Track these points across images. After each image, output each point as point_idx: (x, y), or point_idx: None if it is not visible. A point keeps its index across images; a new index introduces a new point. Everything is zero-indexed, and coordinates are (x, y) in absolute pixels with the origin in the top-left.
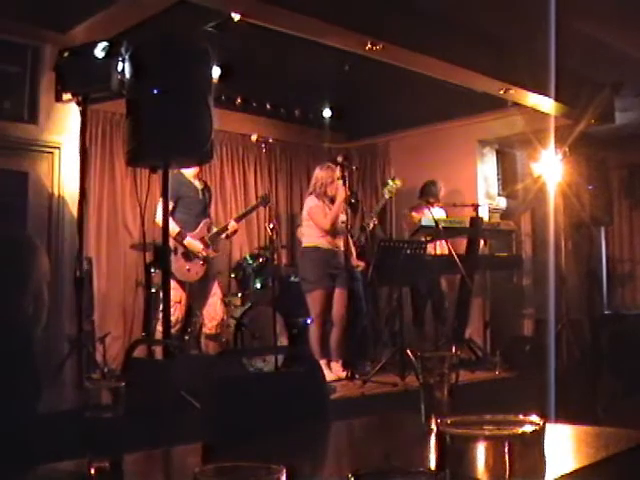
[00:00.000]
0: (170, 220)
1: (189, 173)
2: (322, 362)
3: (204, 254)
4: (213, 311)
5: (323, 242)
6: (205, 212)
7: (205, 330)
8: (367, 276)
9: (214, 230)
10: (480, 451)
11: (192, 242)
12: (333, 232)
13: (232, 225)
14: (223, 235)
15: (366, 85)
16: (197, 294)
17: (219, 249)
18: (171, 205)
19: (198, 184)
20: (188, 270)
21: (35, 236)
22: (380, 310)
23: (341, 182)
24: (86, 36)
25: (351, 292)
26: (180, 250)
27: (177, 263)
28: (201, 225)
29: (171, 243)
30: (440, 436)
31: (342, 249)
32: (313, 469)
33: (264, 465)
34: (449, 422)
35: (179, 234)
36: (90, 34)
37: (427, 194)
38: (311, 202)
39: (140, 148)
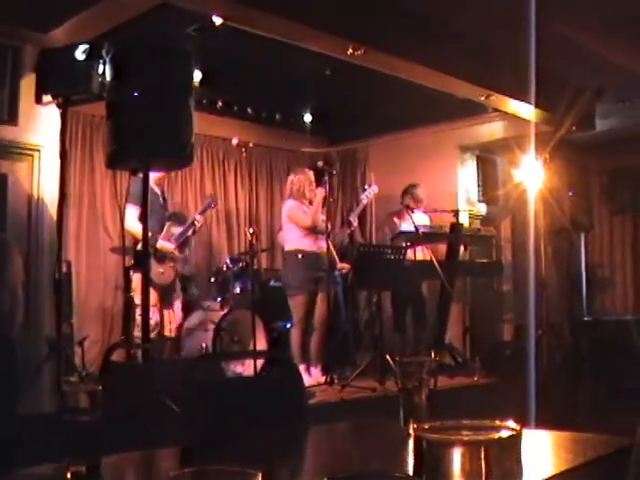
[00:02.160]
0: (139, 224)
1: (150, 179)
2: (302, 367)
3: (176, 254)
4: (175, 314)
5: (305, 244)
6: (165, 216)
7: (166, 333)
8: (348, 280)
9: (179, 230)
10: (456, 456)
11: (164, 244)
12: (315, 232)
13: (199, 218)
14: (190, 232)
15: (347, 90)
16: (166, 296)
17: (185, 250)
18: (139, 210)
19: (157, 189)
20: (162, 273)
21: (9, 235)
22: (360, 315)
23: (320, 185)
24: (67, 37)
25: (332, 296)
26: (152, 253)
27: (152, 266)
28: (166, 228)
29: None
30: (417, 441)
31: (325, 251)
32: (291, 474)
33: (239, 469)
34: (426, 427)
35: (151, 237)
36: (71, 35)
37: (409, 197)
38: (290, 204)
39: (120, 151)
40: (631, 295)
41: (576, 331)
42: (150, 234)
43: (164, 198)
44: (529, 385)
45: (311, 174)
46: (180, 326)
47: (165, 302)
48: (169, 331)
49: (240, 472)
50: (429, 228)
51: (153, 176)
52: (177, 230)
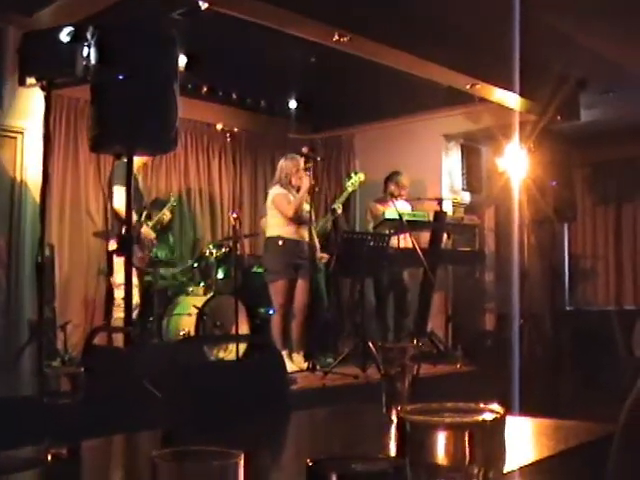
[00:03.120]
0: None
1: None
2: (284, 353)
3: (155, 242)
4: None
5: (287, 232)
6: (142, 203)
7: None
8: (330, 267)
9: (154, 219)
10: (440, 439)
11: (148, 230)
12: (297, 221)
13: (168, 213)
14: (158, 226)
15: (333, 77)
16: (140, 282)
17: (169, 236)
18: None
19: (138, 176)
20: (142, 258)
21: None
22: (342, 302)
23: (305, 172)
24: (52, 19)
25: (313, 283)
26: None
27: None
28: (144, 215)
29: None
30: (400, 423)
31: (306, 240)
32: (272, 457)
33: (222, 450)
34: (409, 409)
35: (137, 222)
36: (56, 17)
37: (392, 185)
38: (276, 191)
39: (104, 135)
40: (613, 286)
41: (558, 321)
42: (135, 219)
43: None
44: (511, 374)
45: (301, 161)
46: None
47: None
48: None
49: (222, 452)
50: (413, 216)
51: (136, 162)
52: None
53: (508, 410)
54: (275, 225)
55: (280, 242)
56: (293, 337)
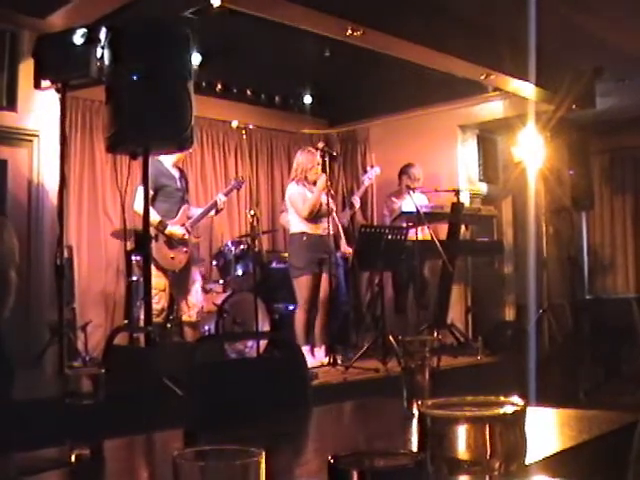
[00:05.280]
0: (151, 209)
1: (167, 161)
2: (306, 348)
3: (186, 238)
4: (194, 299)
5: (308, 227)
6: (183, 199)
7: (186, 318)
8: (349, 262)
9: (199, 211)
10: (461, 432)
11: (174, 229)
12: (315, 216)
13: (222, 199)
14: (212, 212)
15: (347, 71)
16: (179, 282)
17: (200, 234)
18: (151, 194)
19: (175, 172)
20: (172, 258)
21: (7, 218)
22: (362, 296)
23: (320, 168)
24: (65, 21)
25: (333, 278)
26: (162, 238)
27: (161, 252)
28: (181, 212)
29: (152, 232)
30: (421, 418)
31: (330, 232)
32: (294, 453)
33: (244, 448)
34: (430, 404)
35: (160, 223)
36: (69, 19)
37: (406, 177)
38: (291, 189)
39: (120, 134)
40: (632, 274)
41: (577, 310)
42: (161, 218)
43: (185, 180)
44: (530, 365)
45: (317, 155)
46: (200, 310)
47: (177, 288)
48: (188, 317)
49: (244, 451)
50: (430, 208)
51: (170, 158)
52: (196, 212)
53: (529, 401)
54: (296, 221)
55: (304, 238)
56: (315, 332)
